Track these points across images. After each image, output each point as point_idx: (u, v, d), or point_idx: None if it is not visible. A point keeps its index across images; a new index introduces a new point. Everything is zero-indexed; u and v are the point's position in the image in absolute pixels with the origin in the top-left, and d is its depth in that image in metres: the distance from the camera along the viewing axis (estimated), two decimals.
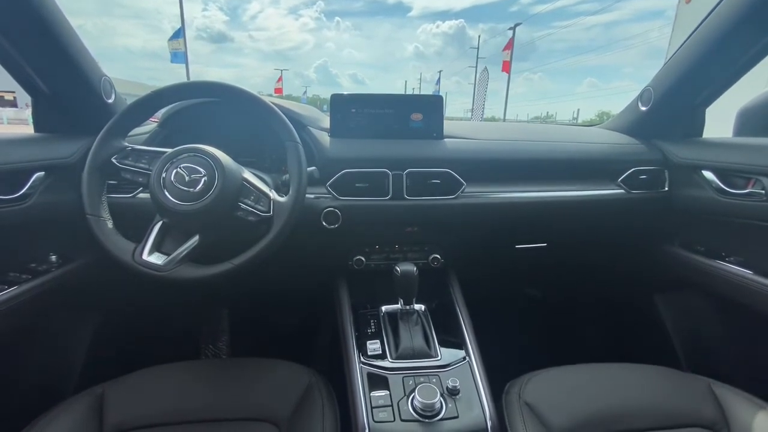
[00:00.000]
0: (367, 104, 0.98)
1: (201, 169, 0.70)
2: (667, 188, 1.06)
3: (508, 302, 1.58)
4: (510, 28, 20.21)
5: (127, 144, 0.76)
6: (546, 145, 1.07)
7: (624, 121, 1.19)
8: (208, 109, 0.96)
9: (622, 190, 1.04)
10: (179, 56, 15.40)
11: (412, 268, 0.84)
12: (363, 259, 1.00)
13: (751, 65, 0.90)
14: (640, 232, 1.14)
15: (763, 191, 0.84)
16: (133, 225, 0.77)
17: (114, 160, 0.74)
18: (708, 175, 0.96)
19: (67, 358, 1.04)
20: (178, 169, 0.69)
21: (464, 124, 1.20)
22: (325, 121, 1.01)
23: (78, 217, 0.73)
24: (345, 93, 0.98)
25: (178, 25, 15.59)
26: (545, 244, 1.10)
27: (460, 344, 0.85)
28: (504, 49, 18.66)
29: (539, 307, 1.59)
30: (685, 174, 1.02)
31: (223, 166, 0.70)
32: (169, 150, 0.72)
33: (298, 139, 0.77)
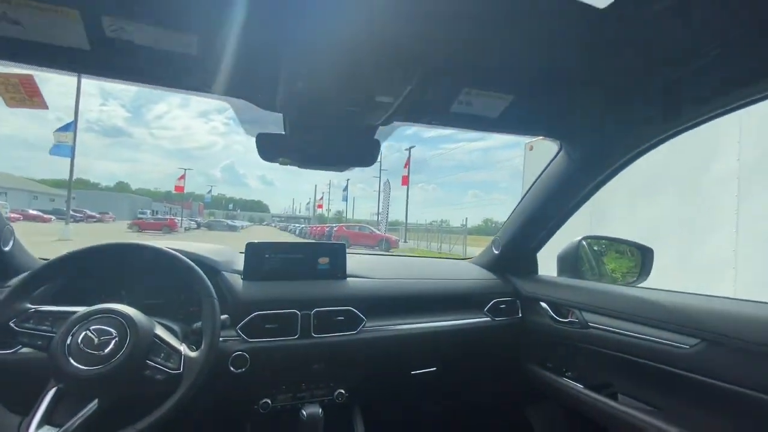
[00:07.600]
0: (279, 250, 1.12)
1: (112, 330, 0.70)
2: (520, 314, 1.34)
3: (407, 425, 1.62)
4: (407, 149, 23.73)
5: (30, 305, 0.73)
6: (429, 283, 1.30)
7: (485, 259, 1.52)
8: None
9: (488, 318, 1.29)
10: (64, 149, 14.07)
11: (318, 410, 0.89)
12: (269, 401, 1.00)
13: (563, 221, 1.29)
14: (506, 353, 1.37)
15: (577, 320, 1.15)
16: (15, 388, 0.71)
17: (12, 324, 0.70)
18: (544, 305, 1.26)
19: None
20: (88, 332, 0.69)
21: (364, 260, 1.39)
22: (239, 263, 1.10)
23: None
24: (259, 242, 1.10)
25: (65, 117, 14.57)
26: (434, 369, 1.25)
27: None
28: (405, 166, 21.82)
29: (435, 426, 1.67)
30: (531, 304, 1.32)
31: (136, 325, 0.72)
32: (79, 309, 0.72)
33: (215, 295, 0.83)
